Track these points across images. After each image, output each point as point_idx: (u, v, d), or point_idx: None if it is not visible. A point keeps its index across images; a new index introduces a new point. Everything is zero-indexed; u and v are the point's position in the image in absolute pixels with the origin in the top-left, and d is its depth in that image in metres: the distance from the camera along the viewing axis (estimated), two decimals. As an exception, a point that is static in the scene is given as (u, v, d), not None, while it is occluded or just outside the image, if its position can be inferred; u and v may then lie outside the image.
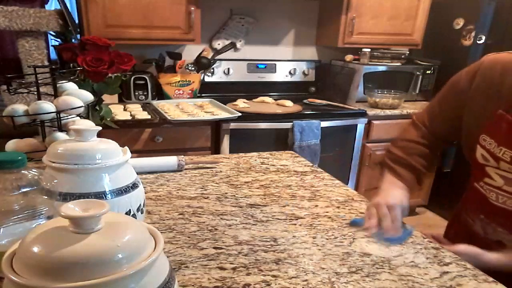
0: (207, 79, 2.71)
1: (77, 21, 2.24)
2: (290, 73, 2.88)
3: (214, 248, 0.79)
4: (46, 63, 1.89)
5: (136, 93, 2.42)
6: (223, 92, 2.75)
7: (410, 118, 1.07)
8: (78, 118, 0.99)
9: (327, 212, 0.97)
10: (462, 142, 0.94)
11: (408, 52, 2.87)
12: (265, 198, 1.04)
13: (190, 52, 2.63)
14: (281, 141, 2.33)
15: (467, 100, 0.88)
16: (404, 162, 0.98)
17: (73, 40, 1.92)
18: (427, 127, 1.01)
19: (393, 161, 0.99)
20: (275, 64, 2.85)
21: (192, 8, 2.28)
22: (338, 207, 1.00)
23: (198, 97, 2.65)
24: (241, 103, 2.49)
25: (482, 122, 0.83)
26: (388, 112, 2.55)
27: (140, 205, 0.71)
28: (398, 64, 2.76)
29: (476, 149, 0.84)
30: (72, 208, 0.41)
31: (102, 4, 2.13)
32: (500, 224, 0.84)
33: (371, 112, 2.52)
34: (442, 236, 0.97)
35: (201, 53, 2.58)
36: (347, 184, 1.34)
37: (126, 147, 0.72)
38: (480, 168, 0.84)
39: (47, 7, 2.49)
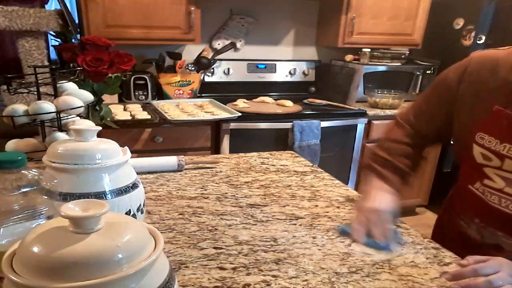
0: (207, 79, 2.71)
1: (77, 21, 2.24)
2: (290, 73, 2.88)
3: (214, 248, 0.79)
4: (46, 63, 1.88)
5: (136, 93, 2.42)
6: (223, 92, 2.75)
7: (394, 118, 1.04)
8: (78, 118, 0.99)
9: (327, 212, 0.97)
10: (454, 142, 0.91)
11: (408, 52, 2.87)
12: (265, 198, 1.04)
13: (190, 52, 2.63)
14: (281, 141, 2.32)
15: (456, 97, 0.86)
16: (390, 164, 0.94)
17: (73, 40, 1.92)
18: (412, 125, 0.97)
19: (378, 163, 0.96)
20: (275, 64, 2.85)
21: (192, 8, 2.27)
22: (338, 207, 1.00)
23: (198, 97, 2.64)
24: (241, 103, 2.49)
25: (476, 119, 0.81)
26: (388, 112, 2.55)
27: (140, 205, 0.71)
28: (398, 64, 2.76)
29: (472, 148, 0.81)
30: (72, 208, 0.41)
31: (102, 4, 2.13)
32: (499, 228, 0.81)
33: (371, 112, 2.52)
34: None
35: (201, 53, 2.58)
36: (347, 184, 1.34)
37: (126, 147, 0.72)
38: (477, 169, 0.81)
39: (47, 7, 2.48)
